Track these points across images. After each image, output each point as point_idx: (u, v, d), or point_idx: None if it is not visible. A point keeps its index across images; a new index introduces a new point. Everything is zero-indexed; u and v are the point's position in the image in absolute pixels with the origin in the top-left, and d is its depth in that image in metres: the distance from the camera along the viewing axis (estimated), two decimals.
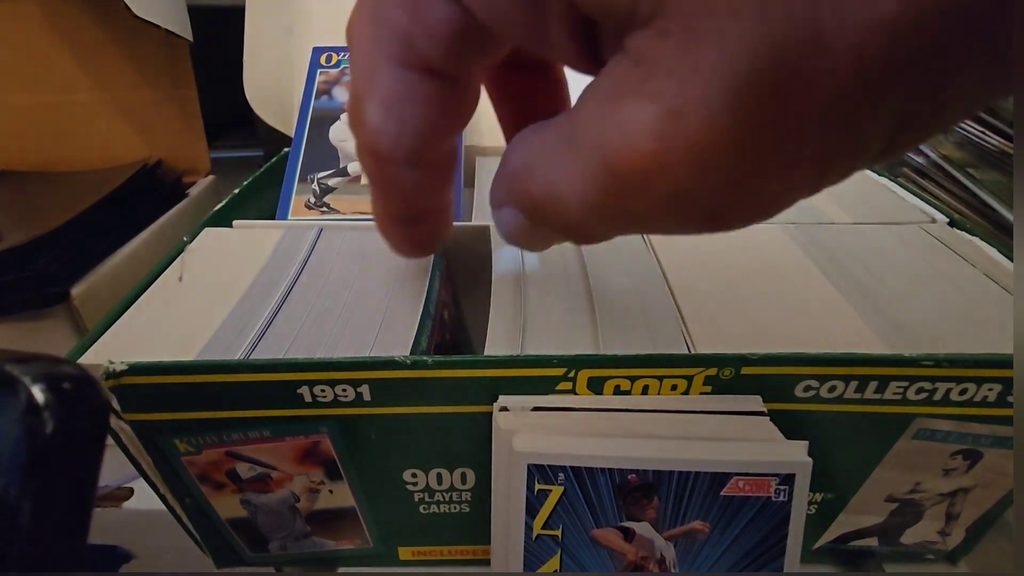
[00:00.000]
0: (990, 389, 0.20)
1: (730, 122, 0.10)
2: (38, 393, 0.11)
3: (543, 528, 0.19)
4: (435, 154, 0.15)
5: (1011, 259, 0.25)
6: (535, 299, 0.22)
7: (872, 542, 0.25)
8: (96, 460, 0.13)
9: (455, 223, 0.29)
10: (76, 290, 0.32)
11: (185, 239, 0.26)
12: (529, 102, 0.18)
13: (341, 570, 0.26)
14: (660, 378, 0.19)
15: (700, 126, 0.10)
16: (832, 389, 0.20)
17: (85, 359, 0.19)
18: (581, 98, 0.12)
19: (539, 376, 0.19)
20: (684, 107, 0.10)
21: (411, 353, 0.19)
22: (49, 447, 0.11)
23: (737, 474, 0.18)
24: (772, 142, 0.10)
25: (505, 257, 0.25)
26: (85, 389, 0.12)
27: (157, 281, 0.23)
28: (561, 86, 0.18)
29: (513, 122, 0.19)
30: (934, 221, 0.28)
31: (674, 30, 0.10)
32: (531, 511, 0.19)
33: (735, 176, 0.11)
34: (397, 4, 0.12)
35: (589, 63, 0.13)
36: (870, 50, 0.09)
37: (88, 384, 0.12)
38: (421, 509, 0.23)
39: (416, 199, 0.17)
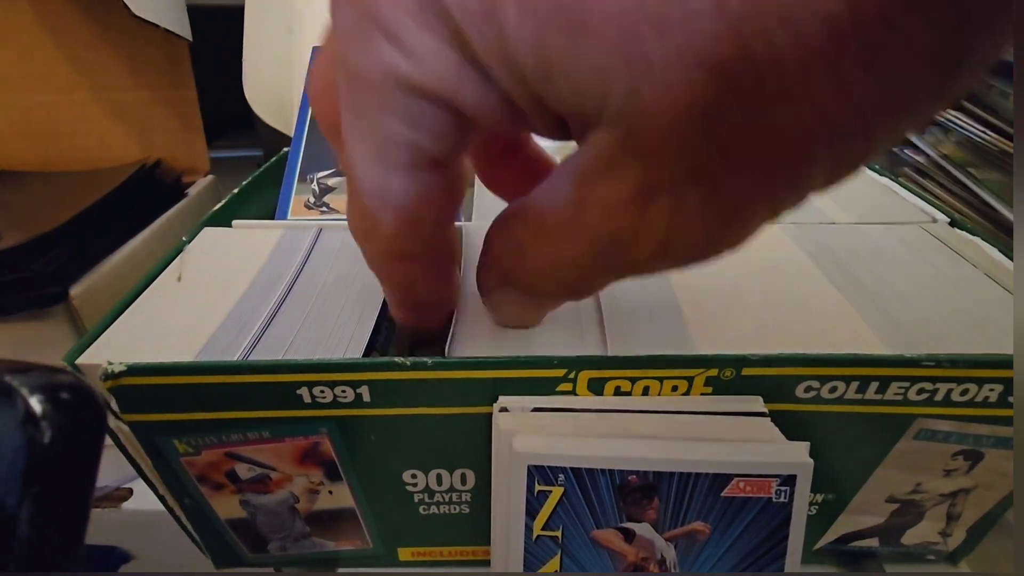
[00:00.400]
0: (991, 389, 0.20)
1: (695, 185, 0.11)
2: (36, 403, 0.12)
3: (543, 529, 0.19)
4: (446, 239, 0.17)
5: (1011, 259, 0.25)
6: None
7: (873, 543, 0.25)
8: (93, 468, 0.13)
9: (457, 223, 0.29)
10: (75, 290, 0.32)
11: (184, 239, 0.26)
12: (509, 164, 0.20)
13: (341, 571, 0.26)
14: (660, 379, 0.19)
15: (669, 197, 0.12)
16: (833, 390, 0.19)
17: (83, 359, 0.19)
18: (557, 174, 0.14)
19: (539, 377, 0.19)
20: (654, 185, 0.12)
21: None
22: (47, 456, 0.12)
23: (738, 475, 0.18)
24: (737, 189, 0.11)
25: None
26: (82, 398, 0.12)
27: (156, 281, 0.23)
28: (538, 155, 0.20)
29: (498, 187, 0.21)
30: (935, 221, 0.28)
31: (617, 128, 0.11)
32: (531, 512, 0.19)
33: (710, 224, 0.12)
34: (395, 120, 0.13)
35: (562, 134, 0.14)
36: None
37: (85, 393, 0.12)
38: (421, 510, 0.23)
39: (436, 284, 0.19)
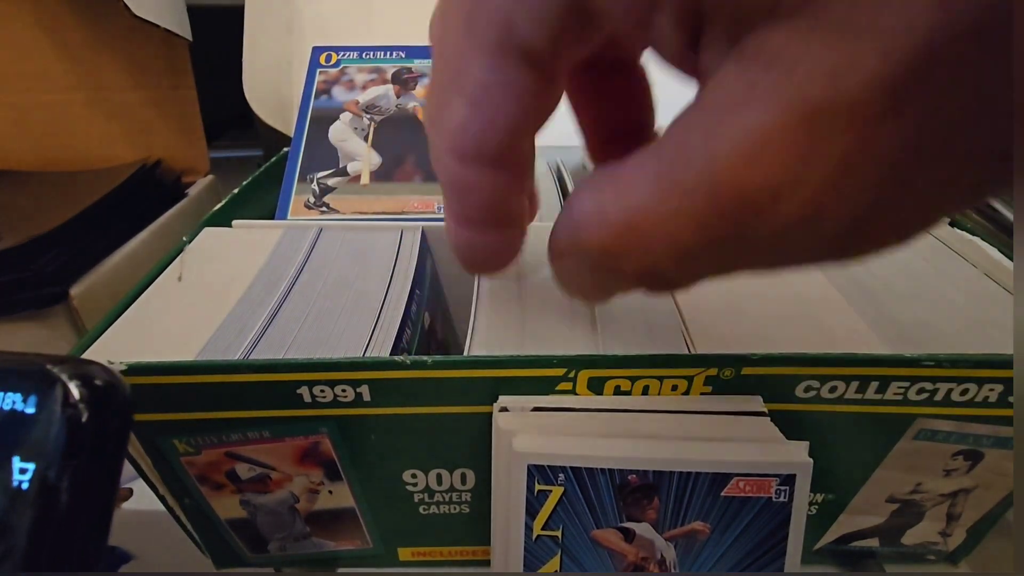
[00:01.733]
0: (991, 389, 0.19)
1: (891, 118, 0.09)
2: (75, 389, 0.13)
3: (543, 529, 0.19)
4: (518, 153, 0.15)
5: (1011, 259, 0.25)
6: (534, 298, 0.22)
7: (873, 543, 0.25)
8: (122, 447, 0.14)
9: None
10: (75, 290, 0.32)
11: (185, 239, 0.26)
12: (611, 105, 0.17)
13: (341, 571, 0.26)
14: (660, 378, 0.19)
15: (849, 129, 0.09)
16: (833, 389, 0.19)
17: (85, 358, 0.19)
18: (676, 123, 0.11)
19: (539, 376, 0.19)
20: (831, 108, 0.09)
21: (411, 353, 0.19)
22: (84, 434, 0.13)
23: (738, 475, 0.18)
24: (935, 140, 0.09)
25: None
26: (113, 386, 0.14)
27: (156, 281, 0.23)
28: (645, 89, 0.17)
29: (593, 129, 0.18)
30: None
31: (827, 20, 0.09)
32: (531, 512, 0.19)
33: (886, 184, 0.10)
34: None
35: (687, 60, 0.12)
36: None
37: (115, 381, 0.14)
38: (421, 510, 0.23)
39: (496, 202, 0.16)
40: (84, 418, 0.13)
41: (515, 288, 0.23)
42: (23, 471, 0.13)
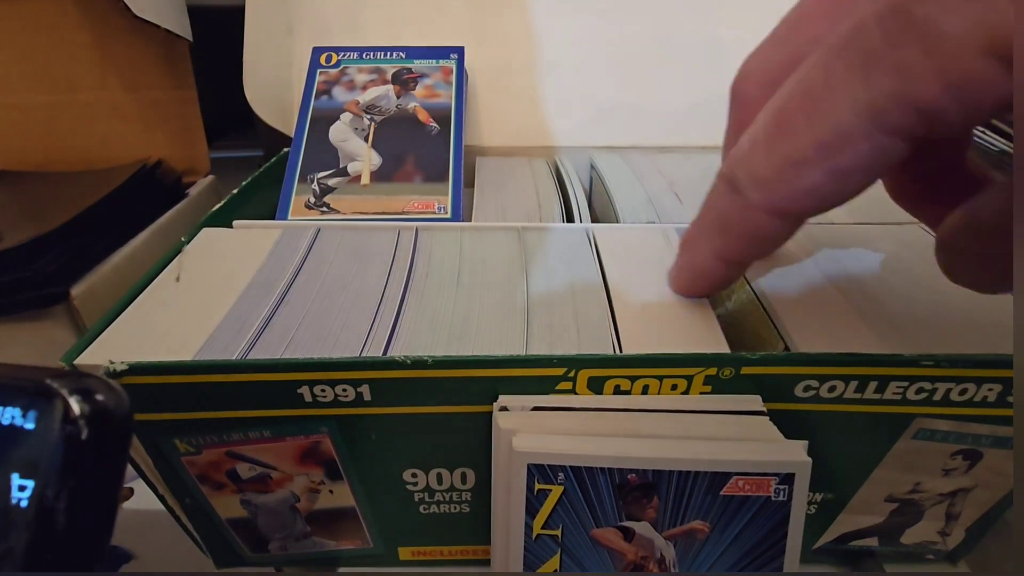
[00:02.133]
0: (990, 389, 0.20)
1: None
2: (75, 404, 0.13)
3: (543, 528, 0.19)
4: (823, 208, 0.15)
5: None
6: (468, 295, 0.22)
7: (872, 542, 0.25)
8: (122, 464, 0.14)
9: (459, 223, 0.29)
10: (76, 290, 0.31)
11: (183, 239, 0.26)
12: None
13: (341, 570, 0.26)
14: (660, 378, 0.19)
15: None
16: (832, 389, 0.20)
17: (82, 359, 0.19)
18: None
19: (539, 376, 0.19)
20: None
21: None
22: (83, 452, 0.13)
23: (737, 474, 0.18)
24: None
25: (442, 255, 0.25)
26: (114, 401, 0.14)
27: (154, 281, 0.23)
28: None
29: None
30: None
31: None
32: (531, 511, 0.19)
33: None
34: (939, 85, 0.11)
35: None
36: None
37: (116, 395, 0.14)
38: (421, 509, 0.23)
39: (772, 248, 0.17)
40: (84, 435, 0.13)
41: (453, 283, 0.23)
42: (22, 488, 0.12)
